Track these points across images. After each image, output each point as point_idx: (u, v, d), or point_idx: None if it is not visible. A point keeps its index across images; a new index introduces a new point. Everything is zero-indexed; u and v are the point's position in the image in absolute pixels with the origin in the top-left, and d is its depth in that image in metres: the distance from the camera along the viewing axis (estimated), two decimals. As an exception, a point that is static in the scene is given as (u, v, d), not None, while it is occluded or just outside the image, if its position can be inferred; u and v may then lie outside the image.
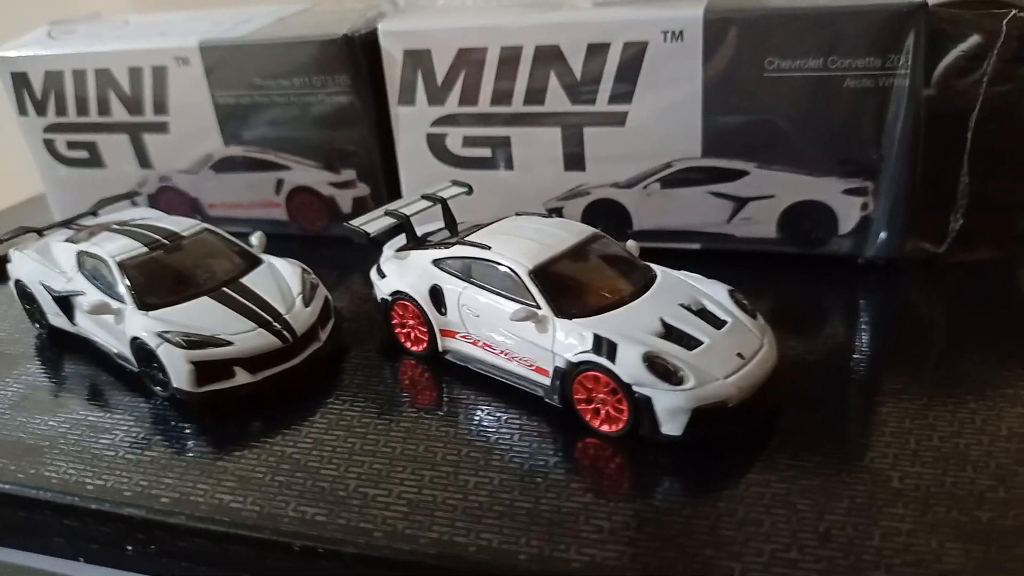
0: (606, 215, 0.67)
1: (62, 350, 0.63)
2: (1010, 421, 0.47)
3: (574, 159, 0.66)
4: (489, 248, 0.53)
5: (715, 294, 0.51)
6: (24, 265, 0.64)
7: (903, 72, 0.57)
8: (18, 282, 0.65)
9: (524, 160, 0.67)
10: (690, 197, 0.64)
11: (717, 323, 0.49)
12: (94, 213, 0.69)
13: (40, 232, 0.67)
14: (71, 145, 0.79)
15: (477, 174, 0.68)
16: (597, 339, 0.47)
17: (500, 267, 0.52)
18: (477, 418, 0.51)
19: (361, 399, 0.54)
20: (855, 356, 0.55)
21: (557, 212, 0.67)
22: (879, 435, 0.47)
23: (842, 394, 0.52)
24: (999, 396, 0.49)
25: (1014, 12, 0.57)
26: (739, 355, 0.47)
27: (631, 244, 0.57)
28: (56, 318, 0.62)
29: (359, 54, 0.67)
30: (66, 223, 0.68)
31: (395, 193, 0.72)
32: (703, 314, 0.50)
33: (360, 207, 0.73)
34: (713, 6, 0.59)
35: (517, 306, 0.50)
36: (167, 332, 0.53)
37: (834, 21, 0.57)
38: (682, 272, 0.54)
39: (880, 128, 0.59)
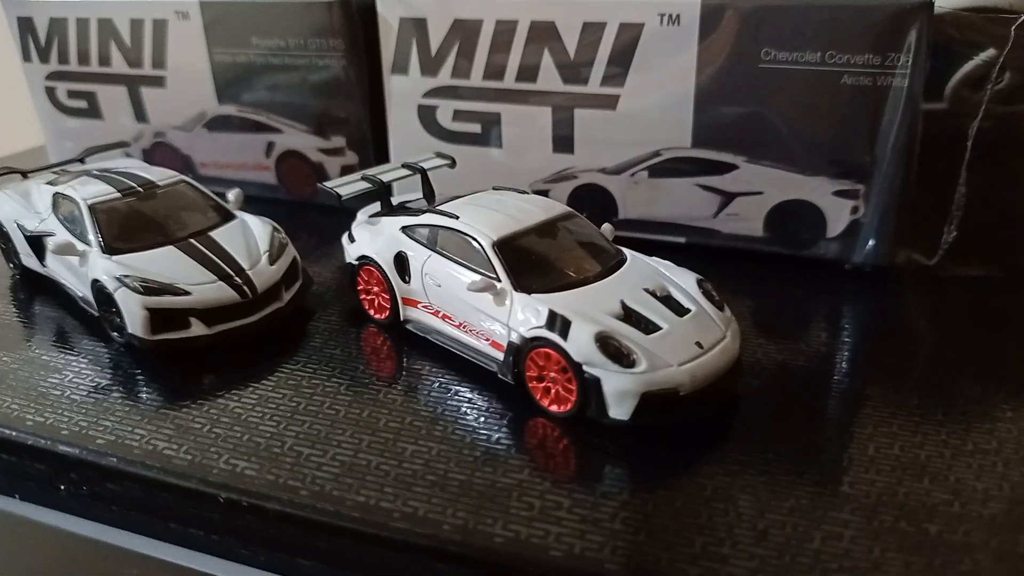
0: (591, 201, 0.65)
1: (34, 291, 0.63)
2: (976, 437, 0.45)
3: (563, 141, 0.65)
4: (457, 218, 0.52)
5: (683, 282, 0.50)
6: (2, 205, 0.64)
7: (902, 72, 0.55)
8: (-5, 220, 0.65)
9: (514, 139, 0.66)
10: (677, 188, 0.63)
11: (680, 311, 0.48)
12: (81, 160, 0.69)
13: (25, 174, 0.67)
14: (72, 94, 0.79)
15: (466, 150, 0.67)
16: (552, 315, 0.46)
17: (465, 237, 0.51)
18: (428, 389, 0.50)
19: (315, 361, 0.53)
20: (827, 360, 0.53)
21: (543, 194, 0.66)
22: (838, 439, 0.46)
23: (807, 396, 0.50)
24: (970, 411, 0.47)
25: (1022, 18, 0.55)
26: (698, 344, 0.46)
27: (606, 228, 0.55)
28: (28, 258, 0.62)
29: (355, 18, 0.67)
30: (53, 167, 0.68)
31: (384, 163, 0.71)
32: (667, 301, 0.48)
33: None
34: (713, -9, 0.58)
35: (477, 277, 0.49)
36: (126, 276, 0.53)
37: (835, 14, 0.55)
38: (653, 258, 0.52)
39: (875, 130, 0.57)
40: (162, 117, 0.76)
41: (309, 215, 0.75)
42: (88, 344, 0.56)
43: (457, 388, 0.50)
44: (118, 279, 0.53)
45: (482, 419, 0.47)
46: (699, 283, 0.50)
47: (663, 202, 0.64)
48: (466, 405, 0.49)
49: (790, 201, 0.60)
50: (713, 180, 0.62)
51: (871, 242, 0.59)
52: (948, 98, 0.67)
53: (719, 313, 0.49)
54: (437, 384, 0.51)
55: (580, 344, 0.45)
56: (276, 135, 0.73)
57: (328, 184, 0.58)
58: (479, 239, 0.50)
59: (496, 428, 0.47)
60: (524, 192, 0.56)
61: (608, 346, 0.44)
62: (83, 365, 0.53)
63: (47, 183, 0.63)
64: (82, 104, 0.79)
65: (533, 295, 0.48)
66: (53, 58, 0.78)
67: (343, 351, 0.54)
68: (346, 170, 0.72)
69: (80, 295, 0.58)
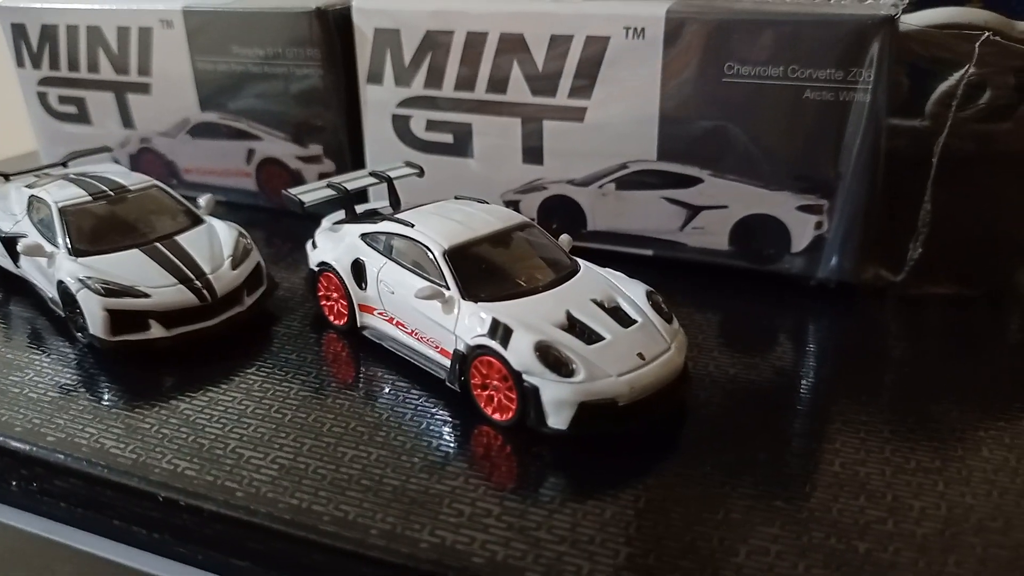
0: (561, 213, 0.65)
1: (7, 292, 0.64)
2: (921, 455, 0.45)
3: (533, 152, 0.65)
4: (413, 226, 0.53)
5: (632, 294, 0.50)
6: (-22, 206, 0.65)
7: (864, 87, 0.54)
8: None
9: (485, 149, 0.67)
10: (644, 201, 0.63)
11: (626, 321, 0.48)
12: (64, 164, 0.71)
13: (7, 176, 0.68)
14: (62, 100, 0.81)
15: (439, 159, 0.68)
16: (494, 323, 0.46)
17: (418, 245, 0.51)
18: (377, 395, 0.51)
19: (270, 365, 0.54)
20: (779, 374, 0.53)
21: (514, 205, 0.66)
22: (778, 454, 0.45)
23: (754, 410, 0.49)
24: (918, 429, 0.47)
25: (987, 35, 0.55)
26: (639, 355, 0.46)
27: (564, 239, 0.55)
28: (3, 259, 0.63)
29: (332, 29, 0.68)
30: (36, 170, 0.69)
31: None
32: (614, 312, 0.48)
33: (325, 184, 0.73)
34: (677, 6, 0.58)
35: (426, 284, 0.50)
36: (89, 278, 0.54)
37: (797, 29, 0.55)
38: (606, 270, 0.52)
39: (839, 145, 0.56)
40: (148, 123, 0.78)
41: (286, 221, 0.75)
42: (54, 344, 0.57)
43: (405, 395, 0.50)
44: (80, 280, 0.54)
45: (425, 425, 0.48)
46: (648, 295, 0.50)
47: (631, 214, 0.64)
48: (412, 412, 0.49)
49: (754, 215, 0.60)
50: (679, 193, 0.62)
51: (835, 258, 0.59)
52: (928, 116, 0.67)
53: (666, 325, 0.48)
54: (387, 390, 0.51)
55: (520, 353, 0.45)
56: (256, 142, 0.74)
57: (293, 191, 0.59)
58: (431, 247, 0.51)
59: (438, 435, 0.47)
60: (484, 202, 0.57)
61: (547, 355, 0.45)
62: (45, 364, 0.54)
63: (26, 186, 0.65)
64: (72, 110, 0.80)
65: (480, 303, 0.48)
66: (45, 64, 0.79)
67: (299, 356, 0.55)
68: (323, 177, 0.73)
69: (49, 296, 0.59)
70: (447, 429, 0.48)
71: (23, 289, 0.63)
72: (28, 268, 0.61)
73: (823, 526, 0.40)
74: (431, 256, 0.50)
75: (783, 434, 0.47)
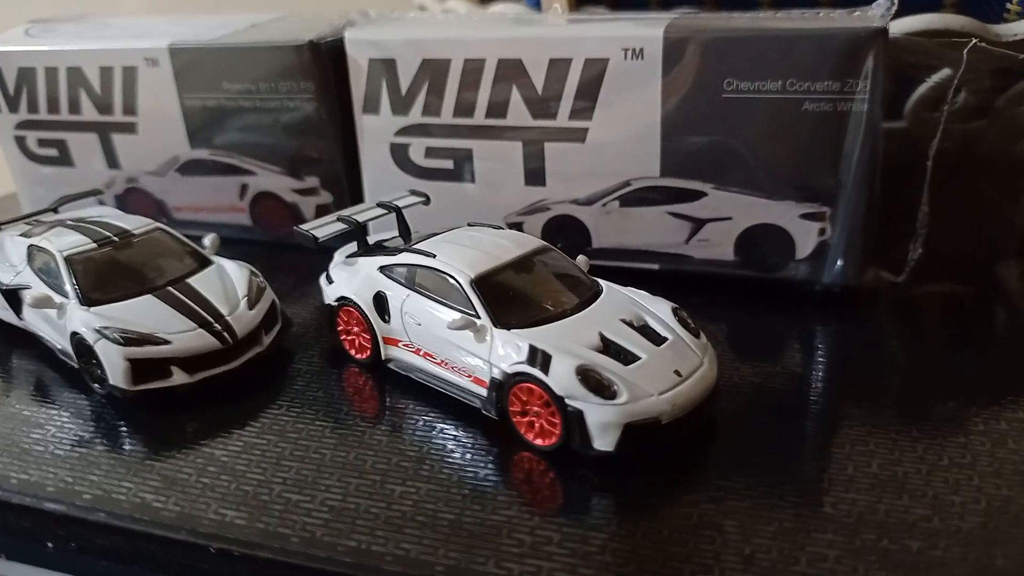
0: (565, 232, 0.66)
1: (10, 345, 0.63)
2: (952, 451, 0.47)
3: (535, 174, 0.66)
4: (434, 256, 0.53)
5: (658, 311, 0.51)
6: (-26, 258, 0.63)
7: (861, 97, 0.56)
8: (-32, 275, 0.64)
9: (486, 173, 0.67)
10: (648, 217, 0.64)
11: (657, 339, 0.49)
12: (55, 210, 0.69)
13: (-2, 226, 0.66)
14: (42, 143, 0.79)
15: (439, 185, 0.68)
16: (532, 350, 0.47)
17: (443, 275, 0.52)
18: (412, 428, 0.51)
19: (298, 405, 0.53)
20: (802, 382, 0.54)
21: (517, 227, 0.67)
22: (816, 460, 0.47)
23: (783, 418, 0.51)
24: (943, 426, 0.49)
25: (975, 41, 0.57)
26: (676, 372, 0.47)
27: (581, 259, 0.56)
28: (4, 312, 0.62)
29: (325, 61, 0.68)
30: (25, 218, 0.67)
31: (358, 201, 0.71)
32: (644, 330, 0.49)
33: (323, 214, 0.72)
34: (674, 26, 0.59)
35: (457, 315, 0.50)
36: (106, 328, 0.53)
37: (793, 44, 0.57)
38: (628, 288, 0.53)
39: (838, 153, 0.58)
40: (134, 163, 0.77)
41: (285, 255, 0.75)
42: (68, 396, 0.56)
43: (441, 426, 0.51)
44: (98, 331, 0.53)
45: (468, 456, 0.48)
46: (674, 311, 0.51)
47: (635, 230, 0.65)
48: (451, 443, 0.49)
49: (759, 225, 0.62)
50: (683, 207, 0.63)
51: (839, 262, 0.61)
52: (907, 118, 0.70)
53: (695, 340, 0.50)
54: (421, 423, 0.51)
55: (561, 378, 0.45)
56: (250, 177, 0.74)
57: (304, 227, 0.59)
58: (457, 277, 0.51)
59: (482, 465, 0.47)
60: (499, 228, 0.57)
61: (589, 379, 0.45)
62: (65, 419, 0.53)
63: (20, 235, 0.63)
64: (53, 152, 0.79)
65: (512, 330, 0.48)
66: (23, 107, 0.77)
67: (326, 393, 0.55)
68: (321, 209, 0.73)
69: (59, 347, 0.58)
70: (490, 458, 0.48)
71: (25, 341, 0.62)
72: (33, 320, 0.59)
73: (872, 528, 0.42)
74: (457, 286, 0.51)
75: (815, 440, 0.49)
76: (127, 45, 0.72)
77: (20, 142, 0.80)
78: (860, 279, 0.62)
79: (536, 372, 0.46)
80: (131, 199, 0.78)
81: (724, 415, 0.51)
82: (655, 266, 0.66)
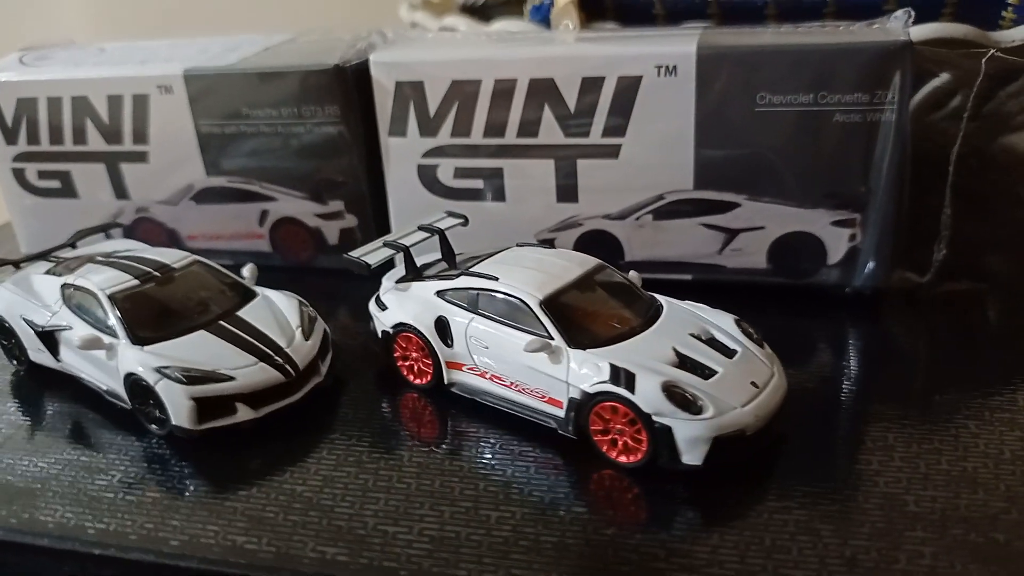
0: (598, 246, 0.67)
1: (42, 387, 0.61)
2: (1012, 445, 0.49)
3: (567, 191, 0.66)
4: (497, 279, 0.53)
5: (722, 324, 0.52)
6: (2, 299, 0.61)
7: (890, 108, 0.59)
8: (-4, 317, 0.62)
9: (516, 191, 0.67)
10: (682, 229, 0.65)
11: (728, 352, 0.50)
12: (72, 245, 0.67)
13: (17, 264, 0.64)
14: (42, 175, 0.77)
15: (468, 205, 0.68)
16: (615, 369, 0.47)
17: (510, 298, 0.52)
18: (489, 452, 0.51)
19: (367, 434, 0.53)
20: (850, 385, 0.56)
21: (549, 243, 0.68)
22: (888, 460, 0.48)
23: (844, 422, 0.53)
24: (996, 421, 0.51)
25: (992, 52, 0.60)
26: (753, 384, 0.48)
27: (633, 275, 0.57)
28: (39, 354, 0.60)
29: (350, 84, 0.67)
30: (44, 255, 0.65)
31: (383, 224, 0.71)
32: (713, 343, 0.50)
33: (347, 238, 0.72)
34: (706, 42, 0.61)
35: (528, 337, 0.50)
36: (166, 367, 0.52)
37: (824, 58, 0.59)
38: (687, 302, 0.54)
39: (868, 162, 0.60)
40: (145, 192, 0.75)
41: (306, 280, 0.74)
42: (122, 439, 0.54)
43: (517, 448, 0.51)
44: (157, 371, 0.52)
45: (552, 477, 0.48)
46: (737, 323, 0.52)
47: (668, 242, 0.66)
48: (533, 465, 0.49)
49: (791, 233, 0.64)
50: (716, 219, 0.64)
51: (869, 266, 0.63)
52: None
53: (761, 350, 0.51)
54: (497, 446, 0.51)
55: (648, 395, 0.46)
56: (270, 203, 0.73)
57: (354, 254, 0.58)
58: (526, 299, 0.51)
59: (569, 485, 0.48)
60: (548, 247, 0.58)
61: (675, 395, 0.46)
62: (127, 463, 0.52)
63: (46, 272, 0.61)
64: (55, 184, 0.76)
65: (588, 351, 0.49)
66: (21, 139, 0.75)
67: (390, 420, 0.54)
68: (345, 233, 0.72)
69: (105, 388, 0.56)
70: (573, 478, 0.48)
71: (54, 383, 0.60)
72: (74, 361, 0.58)
73: (958, 523, 0.44)
74: (527, 308, 0.51)
75: (882, 441, 0.50)
76: (138, 72, 0.71)
77: (18, 174, 0.77)
78: (888, 281, 0.64)
79: (621, 391, 0.47)
80: (141, 229, 0.76)
81: (788, 422, 0.52)
82: (688, 276, 0.67)
